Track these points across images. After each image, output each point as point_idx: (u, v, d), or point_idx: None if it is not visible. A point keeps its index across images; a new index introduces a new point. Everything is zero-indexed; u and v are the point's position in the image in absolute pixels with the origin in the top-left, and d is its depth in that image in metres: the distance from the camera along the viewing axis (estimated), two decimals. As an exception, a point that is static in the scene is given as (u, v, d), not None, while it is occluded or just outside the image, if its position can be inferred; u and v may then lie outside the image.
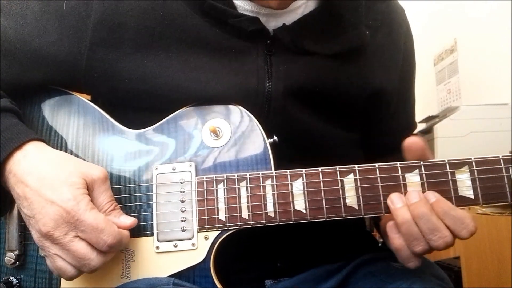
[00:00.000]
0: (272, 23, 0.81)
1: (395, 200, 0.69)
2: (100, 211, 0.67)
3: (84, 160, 0.75)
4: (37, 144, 0.70)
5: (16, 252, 0.73)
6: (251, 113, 0.76)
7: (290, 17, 0.82)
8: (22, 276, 0.74)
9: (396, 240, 0.69)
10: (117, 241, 0.65)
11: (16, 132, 0.69)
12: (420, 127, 2.46)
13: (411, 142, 0.71)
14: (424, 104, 2.83)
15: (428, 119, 2.30)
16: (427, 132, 2.15)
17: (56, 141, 0.77)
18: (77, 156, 0.76)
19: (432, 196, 0.69)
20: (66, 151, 0.76)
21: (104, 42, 0.76)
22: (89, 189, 0.67)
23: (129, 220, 0.69)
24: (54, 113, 0.79)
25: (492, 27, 2.29)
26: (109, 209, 0.69)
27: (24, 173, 0.66)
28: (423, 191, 0.70)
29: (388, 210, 0.70)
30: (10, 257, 0.73)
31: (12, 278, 0.74)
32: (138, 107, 0.78)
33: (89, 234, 0.64)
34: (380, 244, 0.91)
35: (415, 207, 0.68)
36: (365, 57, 0.86)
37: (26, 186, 0.65)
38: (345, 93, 0.83)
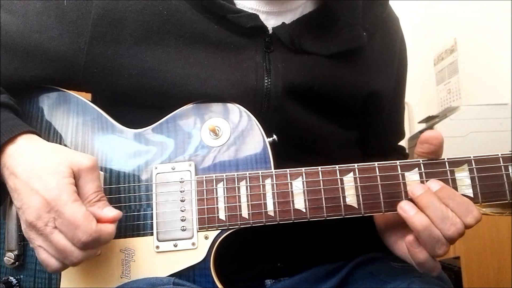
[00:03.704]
0: (271, 21, 0.81)
1: (406, 208, 0.67)
2: (85, 201, 0.66)
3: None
4: (29, 136, 0.70)
5: (16, 252, 0.73)
6: (250, 111, 0.76)
7: (289, 16, 0.83)
8: (21, 276, 0.74)
9: (420, 254, 0.67)
10: (92, 240, 0.62)
11: (9, 126, 0.69)
12: (420, 127, 2.46)
13: (432, 135, 0.70)
14: (424, 104, 2.83)
15: (428, 119, 2.29)
16: (427, 133, 2.14)
17: (54, 141, 0.77)
18: None
19: (436, 184, 0.68)
20: None
21: (104, 37, 0.76)
22: (76, 177, 0.66)
23: (112, 212, 0.66)
24: (52, 112, 0.79)
25: (492, 27, 2.29)
26: (94, 199, 0.66)
27: (15, 165, 0.66)
28: None
29: (388, 208, 0.70)
30: (9, 257, 0.73)
31: (11, 278, 0.74)
32: (137, 104, 0.78)
33: (65, 229, 0.62)
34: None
35: (421, 198, 0.67)
36: (362, 59, 0.86)
37: (16, 178, 0.65)
38: (342, 92, 0.84)
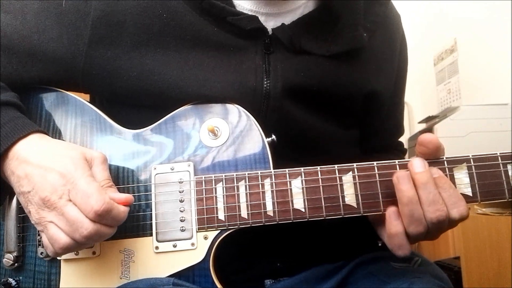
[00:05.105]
0: (271, 23, 0.81)
1: (402, 180, 0.68)
2: None
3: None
4: (40, 135, 0.71)
5: (15, 254, 0.73)
6: (249, 111, 0.76)
7: (289, 17, 0.82)
8: (20, 278, 0.74)
9: (394, 227, 0.68)
10: (103, 210, 0.62)
11: (21, 124, 0.70)
12: (420, 127, 2.46)
13: (426, 139, 0.70)
14: (424, 104, 2.83)
15: (428, 119, 2.29)
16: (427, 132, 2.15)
17: None
18: None
19: (436, 171, 0.68)
20: None
21: (103, 39, 0.76)
22: (89, 165, 0.68)
23: (124, 195, 0.68)
24: (50, 113, 0.79)
25: (492, 27, 2.29)
26: (106, 185, 0.68)
27: (27, 155, 0.67)
28: None
29: (387, 208, 0.70)
30: (8, 258, 0.73)
31: (10, 279, 0.74)
32: (136, 105, 0.79)
33: (79, 199, 0.63)
34: (380, 244, 0.91)
35: (420, 176, 0.67)
36: (362, 58, 0.86)
37: (28, 164, 0.66)
38: (342, 92, 0.83)
